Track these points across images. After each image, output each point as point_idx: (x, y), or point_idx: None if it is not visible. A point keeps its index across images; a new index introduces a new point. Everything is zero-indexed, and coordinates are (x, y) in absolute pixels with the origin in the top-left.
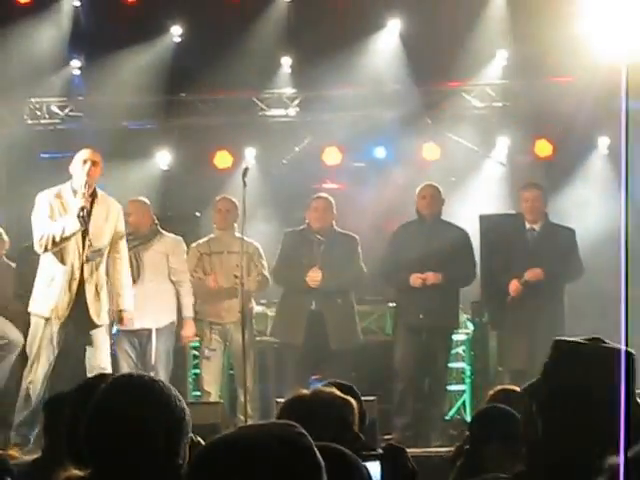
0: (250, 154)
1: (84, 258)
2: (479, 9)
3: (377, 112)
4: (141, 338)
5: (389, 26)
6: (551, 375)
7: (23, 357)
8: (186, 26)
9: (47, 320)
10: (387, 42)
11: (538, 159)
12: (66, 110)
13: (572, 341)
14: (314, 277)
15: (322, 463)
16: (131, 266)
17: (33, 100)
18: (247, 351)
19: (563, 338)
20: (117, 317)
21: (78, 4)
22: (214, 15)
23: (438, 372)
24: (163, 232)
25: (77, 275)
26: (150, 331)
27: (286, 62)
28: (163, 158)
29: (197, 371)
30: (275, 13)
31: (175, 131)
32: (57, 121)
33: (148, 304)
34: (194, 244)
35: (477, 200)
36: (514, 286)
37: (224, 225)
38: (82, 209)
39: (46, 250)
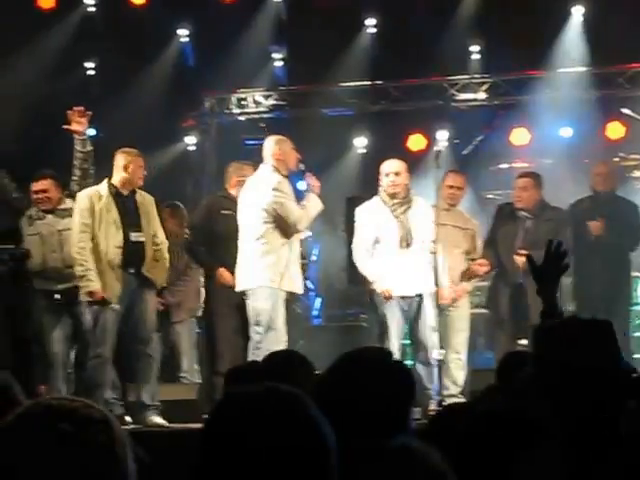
0: (442, 137)
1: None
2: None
3: (563, 93)
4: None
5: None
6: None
7: None
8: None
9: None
10: None
11: None
12: (270, 99)
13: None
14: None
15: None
16: None
17: (239, 91)
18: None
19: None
20: None
21: None
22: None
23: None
24: None
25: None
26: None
27: (474, 48)
28: (360, 142)
29: None
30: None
31: (371, 117)
32: (262, 109)
33: None
34: None
35: None
36: None
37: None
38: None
39: None
